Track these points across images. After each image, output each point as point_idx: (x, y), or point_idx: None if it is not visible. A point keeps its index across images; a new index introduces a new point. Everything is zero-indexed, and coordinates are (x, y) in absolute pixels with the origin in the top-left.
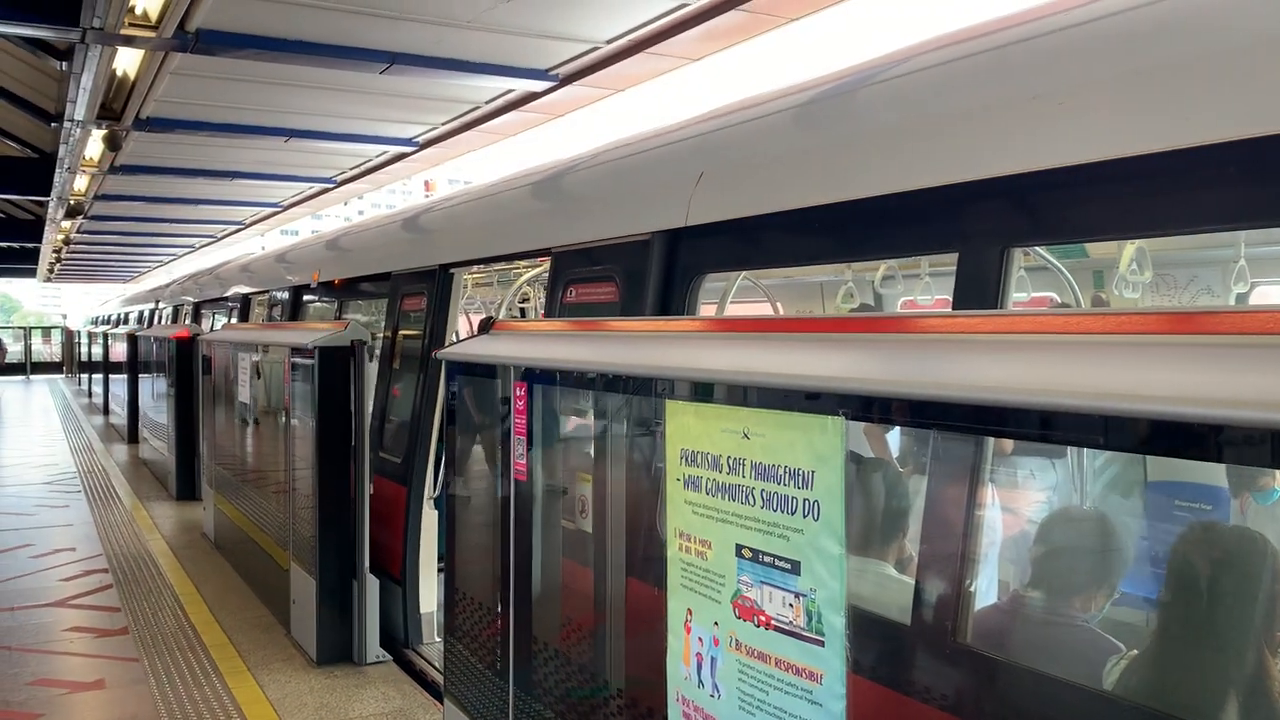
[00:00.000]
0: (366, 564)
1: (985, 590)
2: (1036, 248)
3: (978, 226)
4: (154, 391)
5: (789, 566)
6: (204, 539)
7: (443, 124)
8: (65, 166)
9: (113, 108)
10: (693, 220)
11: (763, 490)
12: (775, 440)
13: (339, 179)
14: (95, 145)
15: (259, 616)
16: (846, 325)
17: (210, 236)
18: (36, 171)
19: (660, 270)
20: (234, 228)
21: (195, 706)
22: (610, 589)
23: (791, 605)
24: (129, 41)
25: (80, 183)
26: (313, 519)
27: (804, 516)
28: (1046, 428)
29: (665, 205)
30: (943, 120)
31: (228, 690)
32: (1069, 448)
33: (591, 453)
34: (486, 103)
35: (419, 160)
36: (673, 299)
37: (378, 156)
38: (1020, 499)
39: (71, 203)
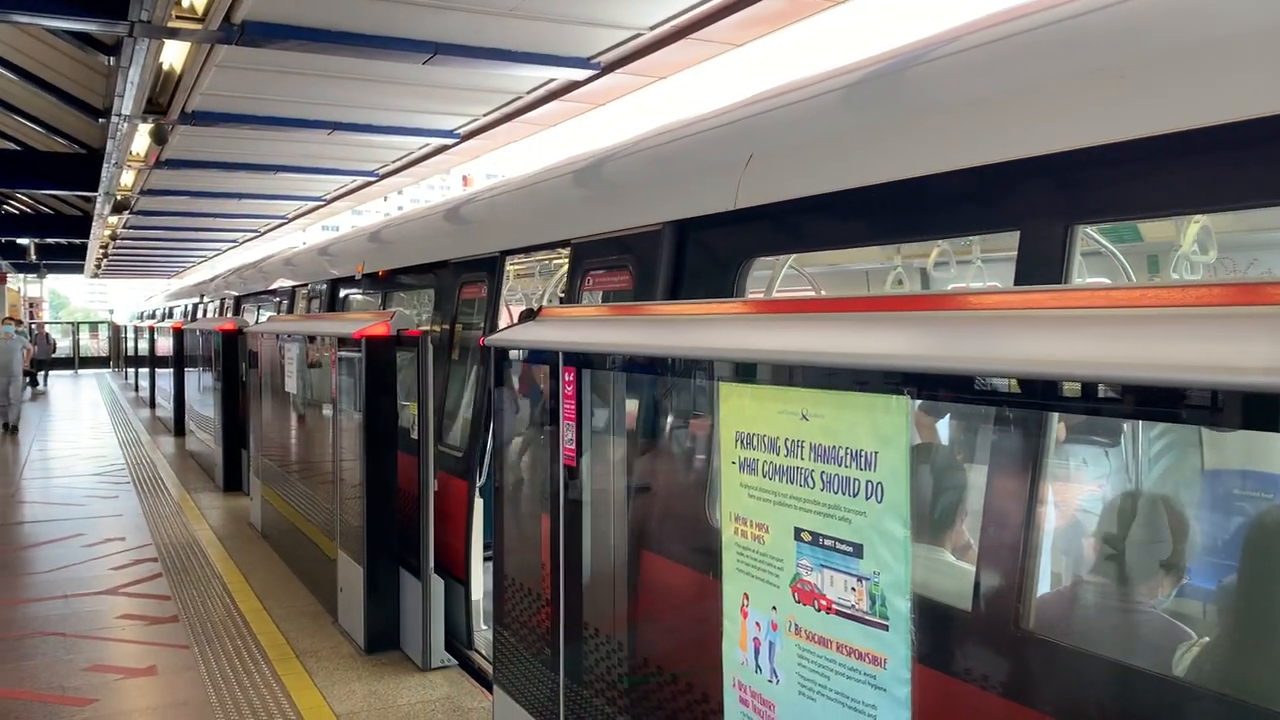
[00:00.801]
0: (431, 564)
1: (1048, 576)
2: (1093, 230)
3: (1040, 204)
4: (200, 384)
5: (851, 550)
6: (251, 529)
7: (484, 115)
8: (113, 161)
9: (159, 102)
10: (741, 203)
11: (823, 472)
12: (835, 421)
13: (381, 172)
14: (141, 140)
15: (306, 605)
16: (908, 304)
17: (254, 231)
18: (84, 167)
19: (709, 253)
20: (277, 222)
21: (245, 693)
22: (662, 575)
23: (854, 589)
24: (175, 34)
25: (127, 178)
26: (360, 507)
27: (866, 499)
28: (1112, 402)
29: (713, 187)
30: (1001, 96)
31: (277, 677)
32: (1126, 436)
33: (643, 438)
34: (528, 93)
35: (460, 152)
36: (723, 283)
37: (420, 149)
38: (1080, 484)
39: (118, 198)
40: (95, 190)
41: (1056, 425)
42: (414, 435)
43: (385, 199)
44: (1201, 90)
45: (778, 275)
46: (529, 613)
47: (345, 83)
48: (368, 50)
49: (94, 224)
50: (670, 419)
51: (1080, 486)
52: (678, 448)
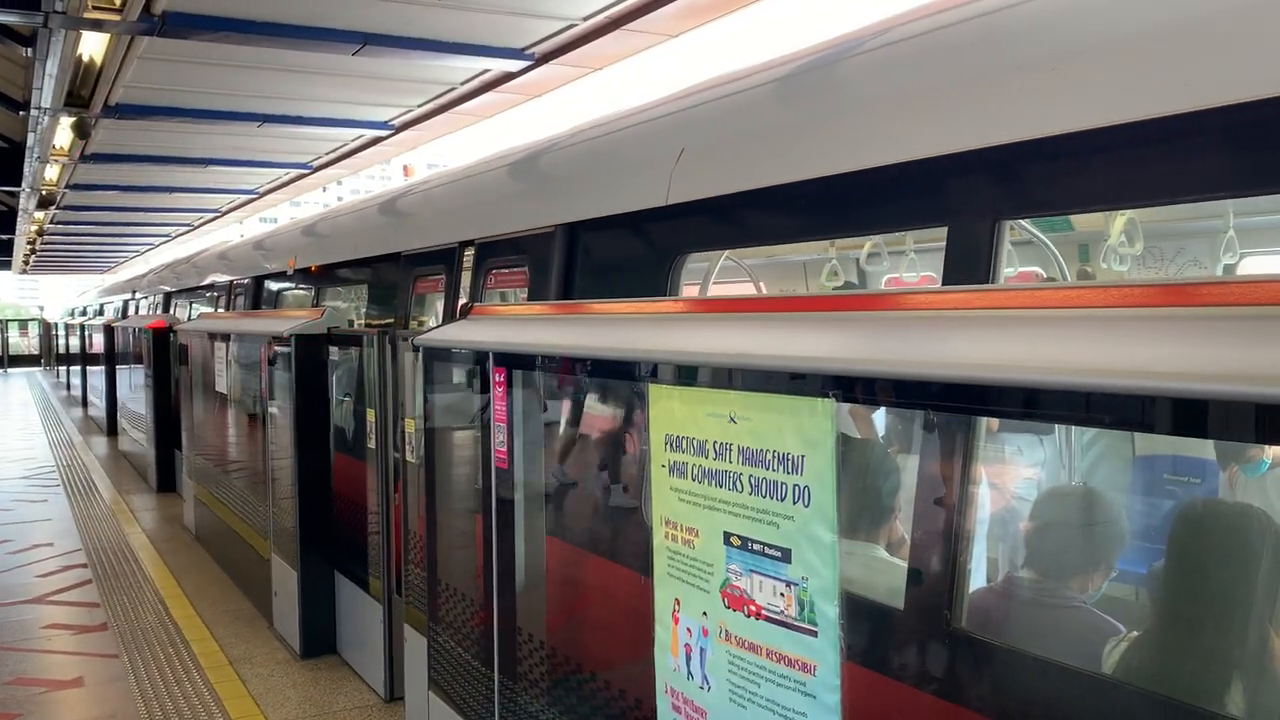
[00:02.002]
0: (392, 585)
1: (980, 572)
2: (1023, 221)
3: (967, 199)
4: (132, 383)
5: (779, 554)
6: (184, 531)
7: (418, 106)
8: (35, 156)
9: (81, 94)
10: (673, 199)
11: (751, 476)
12: (763, 424)
13: (315, 164)
14: (65, 134)
15: (241, 609)
16: (835, 304)
17: (187, 225)
18: (6, 161)
19: (643, 250)
20: (210, 215)
21: (176, 703)
22: (593, 578)
23: (783, 594)
24: (95, 26)
25: (51, 172)
26: (293, 509)
27: (794, 503)
28: (1041, 406)
29: (646, 183)
30: (928, 91)
31: (209, 685)
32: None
33: (574, 438)
34: (462, 84)
35: (395, 144)
36: (656, 279)
37: (353, 140)
38: (1010, 476)
39: (43, 193)
40: (19, 185)
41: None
42: (370, 444)
43: (324, 189)
44: (1128, 85)
45: (713, 268)
46: (461, 616)
47: (273, 74)
48: (295, 41)
49: (19, 219)
50: (607, 418)
51: (1012, 478)
52: (612, 449)
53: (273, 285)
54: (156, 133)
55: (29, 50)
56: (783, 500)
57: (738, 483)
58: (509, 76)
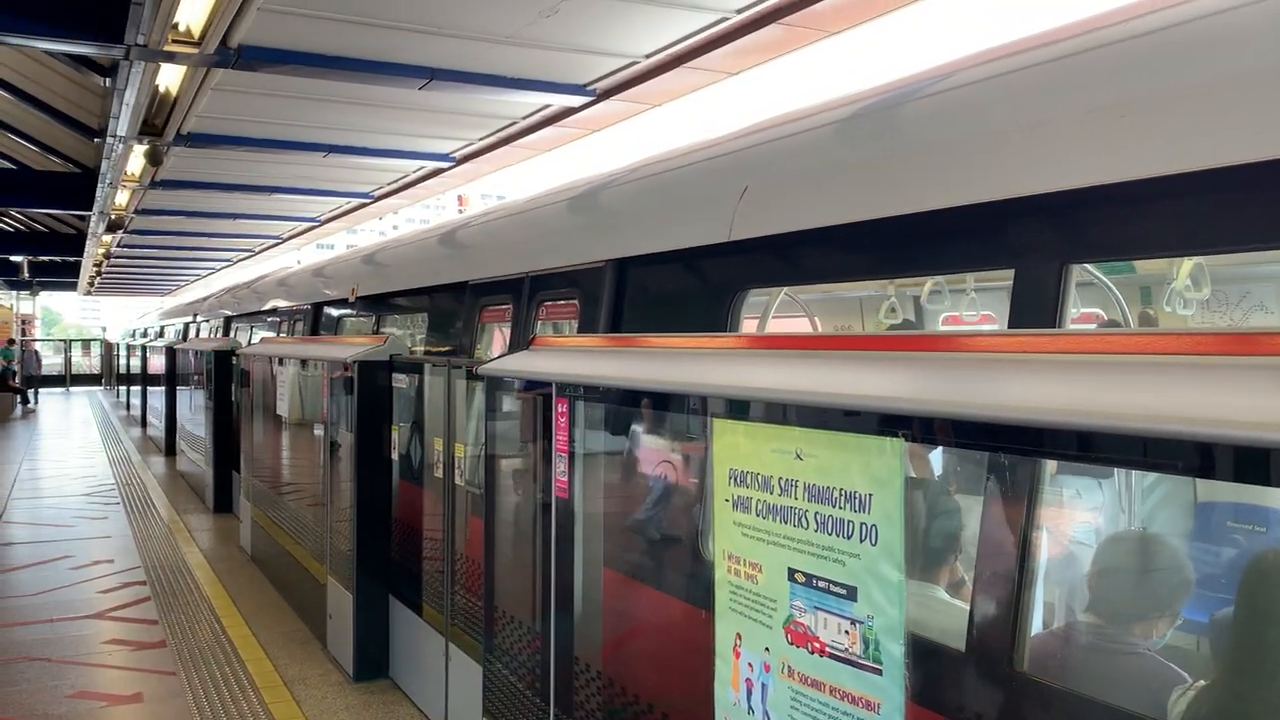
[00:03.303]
0: (449, 621)
1: (1043, 616)
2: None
3: (1035, 242)
4: (191, 404)
5: (845, 592)
6: (240, 551)
7: (479, 139)
8: (107, 181)
9: (154, 123)
10: (736, 235)
11: (816, 513)
12: (829, 462)
13: (376, 194)
14: (136, 160)
15: (296, 630)
16: (905, 344)
17: (248, 251)
18: (79, 186)
19: (702, 285)
20: (271, 242)
21: None
22: (655, 611)
23: (848, 632)
24: (171, 58)
25: (121, 197)
26: (350, 533)
27: (861, 541)
28: (1106, 450)
29: (707, 219)
30: (998, 134)
31: (264, 706)
32: (1119, 472)
33: (636, 470)
34: (523, 118)
35: (455, 176)
36: (717, 314)
37: (415, 172)
38: (1074, 521)
39: (113, 217)
40: (90, 209)
41: (1048, 463)
42: (437, 473)
43: (381, 218)
44: (1197, 133)
45: (772, 303)
46: (519, 644)
47: (341, 106)
48: (364, 75)
49: (88, 242)
50: (671, 452)
51: (1075, 520)
52: (675, 482)
53: (333, 311)
54: (225, 160)
55: (106, 80)
56: (849, 538)
57: (803, 519)
58: (570, 111)
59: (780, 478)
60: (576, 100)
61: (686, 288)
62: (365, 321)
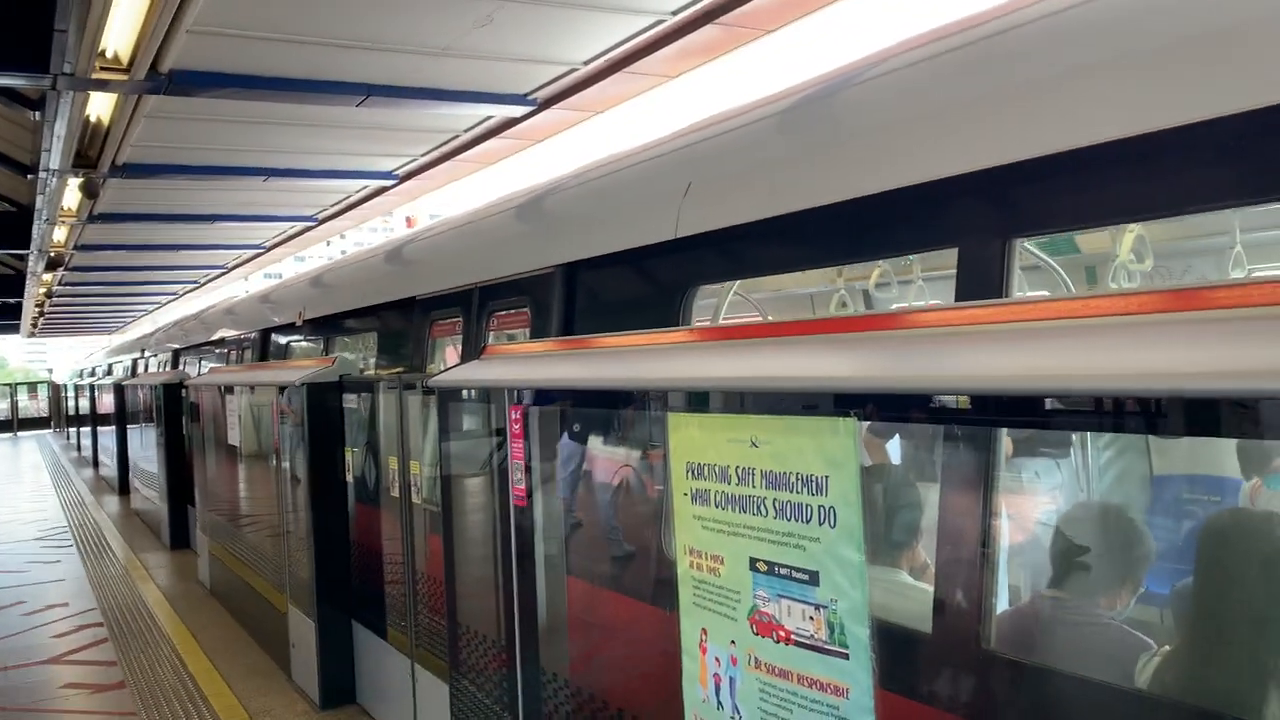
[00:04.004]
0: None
1: (1007, 593)
2: (1029, 245)
3: (977, 219)
4: (143, 441)
5: (807, 577)
6: (199, 586)
7: (422, 155)
8: (44, 218)
9: (88, 155)
10: (682, 232)
11: (775, 500)
12: (784, 447)
13: (320, 216)
14: (72, 195)
15: (258, 662)
16: (851, 324)
17: (193, 283)
18: (15, 224)
19: (652, 284)
20: (217, 272)
21: None
22: (620, 616)
23: (812, 618)
24: (101, 86)
25: (59, 234)
26: (308, 560)
27: (820, 524)
28: (1061, 415)
29: (653, 218)
30: (931, 114)
31: None
32: (1074, 447)
33: (591, 473)
34: (465, 131)
35: (399, 193)
36: (668, 312)
37: (358, 191)
38: (1032, 497)
39: (52, 255)
40: (27, 248)
41: (1005, 440)
42: (394, 492)
43: (328, 243)
44: (1132, 99)
45: (723, 303)
46: (484, 659)
47: (279, 128)
48: (299, 95)
49: (28, 282)
50: (625, 450)
51: (1033, 499)
52: (631, 480)
53: (281, 337)
54: (163, 190)
55: (36, 114)
56: (808, 522)
57: (761, 507)
58: (512, 122)
59: (737, 466)
60: (518, 110)
61: (636, 288)
62: (314, 345)
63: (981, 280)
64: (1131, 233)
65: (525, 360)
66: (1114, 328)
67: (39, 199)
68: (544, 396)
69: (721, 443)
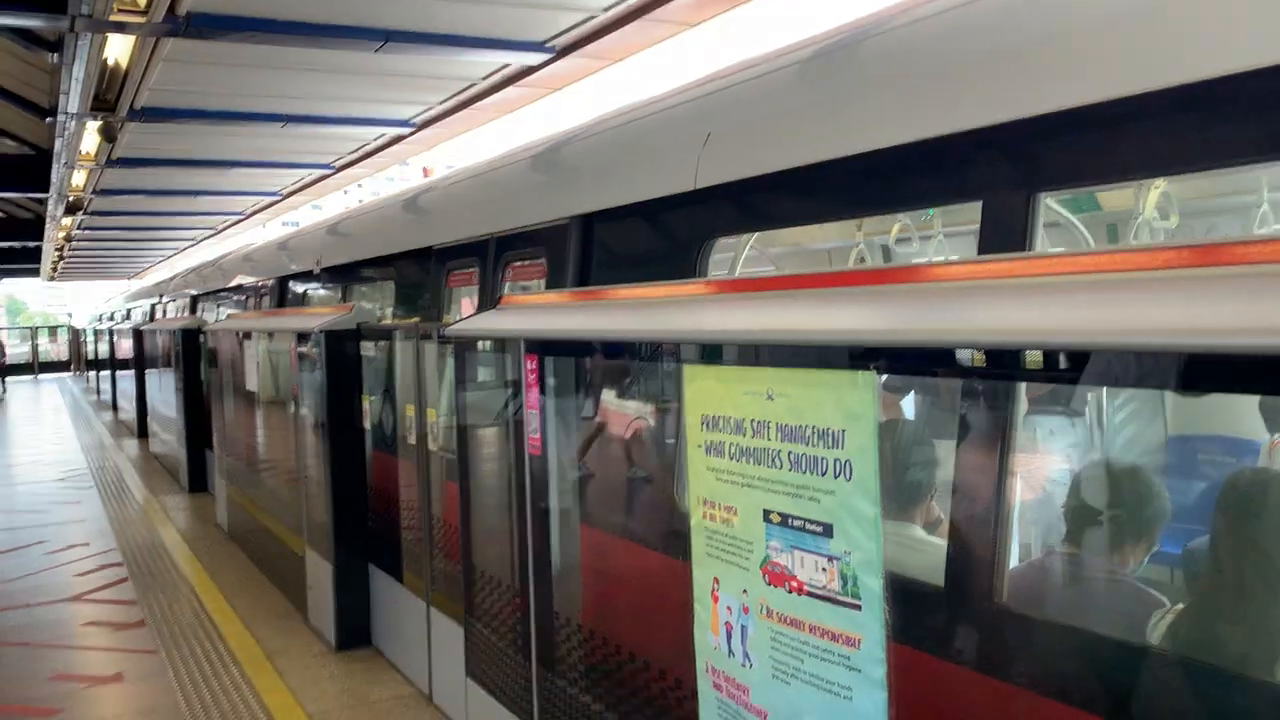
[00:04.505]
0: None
1: (1021, 548)
2: (1053, 202)
3: (1002, 173)
4: (162, 385)
5: (820, 529)
6: (217, 529)
7: (439, 103)
8: (63, 161)
9: (106, 99)
10: (701, 183)
11: (790, 452)
12: (801, 400)
13: (337, 164)
14: (91, 139)
15: (275, 604)
16: (871, 277)
17: (210, 229)
18: (34, 168)
19: (669, 236)
20: (234, 218)
21: (215, 696)
22: (632, 561)
23: (825, 569)
24: (119, 28)
25: (78, 178)
26: (326, 503)
27: (835, 477)
28: (1081, 369)
29: (671, 169)
30: (960, 64)
31: (247, 679)
32: (1091, 405)
33: (605, 423)
34: (483, 79)
35: (417, 142)
36: (684, 265)
37: (375, 139)
38: (1048, 455)
39: (70, 199)
40: (46, 192)
41: (1023, 396)
42: (411, 439)
43: (345, 192)
44: (1163, 53)
45: (739, 257)
46: (499, 604)
47: (297, 74)
48: (317, 40)
49: (47, 226)
50: (642, 402)
51: (1049, 457)
52: (644, 430)
53: (298, 284)
54: (181, 135)
55: (54, 55)
56: (823, 475)
57: (776, 459)
58: (529, 70)
59: (752, 419)
60: (535, 58)
61: (653, 240)
62: (331, 293)
63: (1005, 234)
64: (1157, 189)
65: (542, 310)
66: (1139, 282)
67: (58, 142)
68: (560, 347)
69: (737, 395)
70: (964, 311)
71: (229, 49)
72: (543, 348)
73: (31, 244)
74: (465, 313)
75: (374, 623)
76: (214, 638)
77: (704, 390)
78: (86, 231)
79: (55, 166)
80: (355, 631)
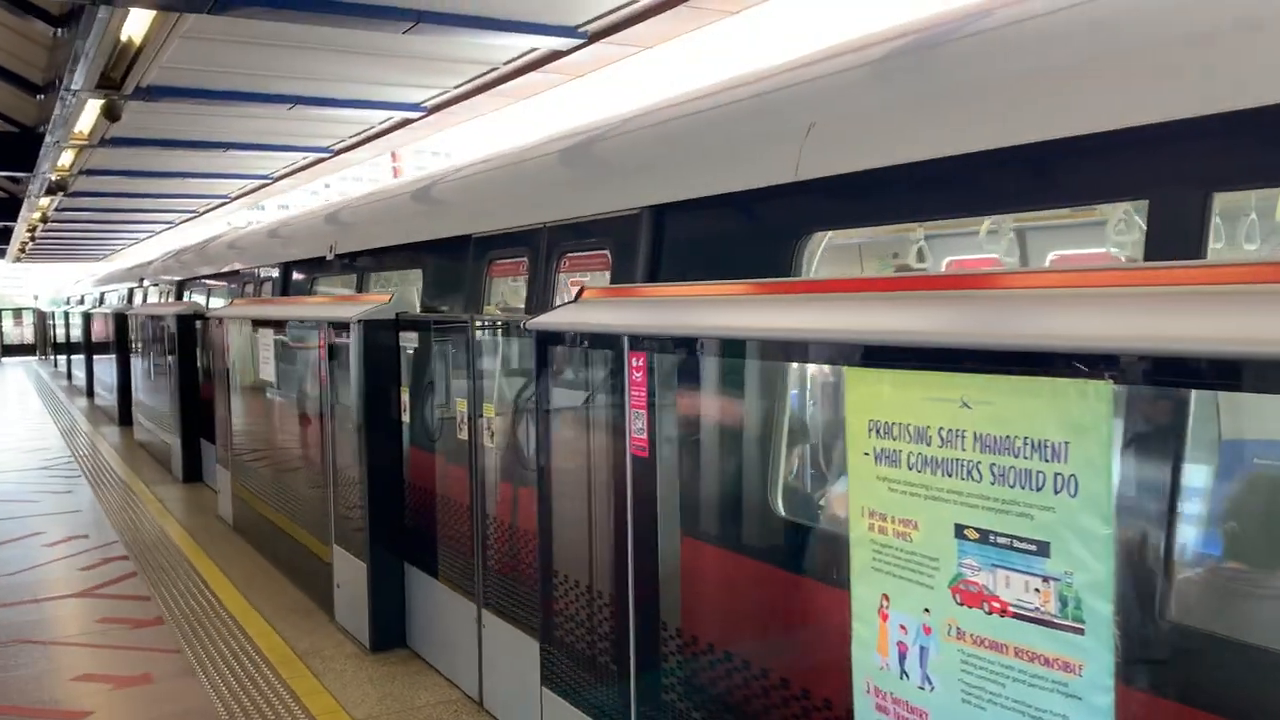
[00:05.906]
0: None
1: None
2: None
3: (1174, 170)
4: (150, 372)
5: (1034, 548)
6: (220, 522)
7: (454, 87)
8: (55, 140)
9: (110, 76)
10: (803, 175)
11: (993, 465)
12: (1007, 409)
13: (336, 148)
14: (87, 117)
15: (296, 601)
16: (1095, 279)
17: (192, 211)
18: (16, 146)
19: (761, 229)
20: (218, 202)
21: (253, 699)
22: (745, 575)
23: (1038, 590)
24: (141, 1)
25: (66, 157)
26: (362, 502)
27: (1055, 493)
28: None
29: (771, 159)
30: (1119, 55)
31: (283, 681)
32: None
33: (719, 426)
34: (504, 63)
35: (421, 127)
36: (775, 262)
37: (381, 123)
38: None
39: (54, 179)
40: (29, 171)
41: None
42: (462, 435)
43: (327, 185)
44: None
45: (815, 250)
46: (588, 611)
47: (316, 53)
48: (348, 19)
49: (24, 206)
50: (763, 404)
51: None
52: (760, 435)
53: (307, 271)
54: (182, 115)
55: (57, 30)
56: (1039, 490)
57: (975, 472)
58: (555, 55)
59: (941, 428)
60: (565, 43)
61: (739, 233)
62: (346, 280)
63: (1177, 236)
64: None
65: (646, 305)
66: None
67: (54, 119)
68: (673, 344)
69: (917, 401)
70: (1215, 318)
71: (249, 25)
72: (650, 344)
73: (2, 224)
74: (510, 304)
75: (410, 624)
76: (239, 637)
77: (873, 394)
78: (63, 213)
79: (45, 145)
80: (390, 633)
